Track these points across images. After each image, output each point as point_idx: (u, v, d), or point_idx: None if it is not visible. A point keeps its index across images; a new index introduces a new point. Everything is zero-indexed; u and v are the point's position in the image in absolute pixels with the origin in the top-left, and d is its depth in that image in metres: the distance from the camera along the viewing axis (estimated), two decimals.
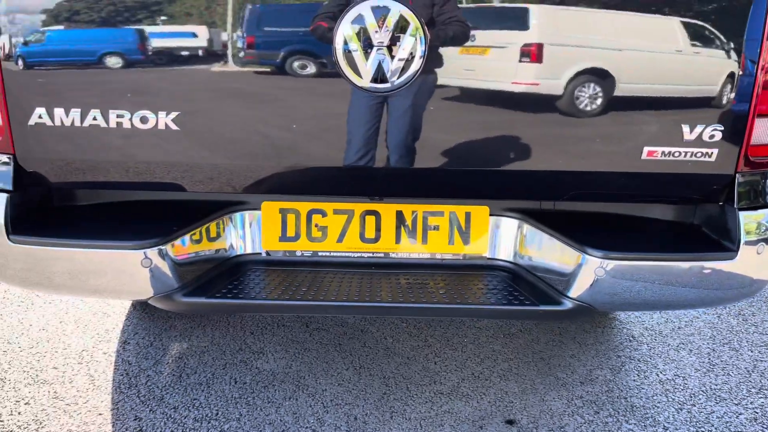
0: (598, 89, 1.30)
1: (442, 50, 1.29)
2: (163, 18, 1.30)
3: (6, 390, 1.89)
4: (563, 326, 2.38)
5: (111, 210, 1.55)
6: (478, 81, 1.33)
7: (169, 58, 1.31)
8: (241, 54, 1.32)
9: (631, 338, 2.32)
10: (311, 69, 1.32)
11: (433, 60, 1.29)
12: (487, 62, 1.30)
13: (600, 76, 1.30)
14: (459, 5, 1.29)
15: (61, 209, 1.54)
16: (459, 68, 1.31)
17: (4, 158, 1.38)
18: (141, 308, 2.40)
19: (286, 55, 1.31)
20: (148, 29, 1.30)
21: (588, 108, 1.32)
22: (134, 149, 1.36)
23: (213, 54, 1.31)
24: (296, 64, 1.31)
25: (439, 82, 1.32)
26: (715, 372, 2.12)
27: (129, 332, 2.24)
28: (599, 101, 1.32)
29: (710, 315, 2.51)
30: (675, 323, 2.43)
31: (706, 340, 2.32)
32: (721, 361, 2.19)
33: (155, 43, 1.30)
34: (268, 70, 1.34)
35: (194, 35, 1.31)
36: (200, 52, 1.32)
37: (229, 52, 1.31)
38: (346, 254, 1.59)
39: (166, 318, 2.33)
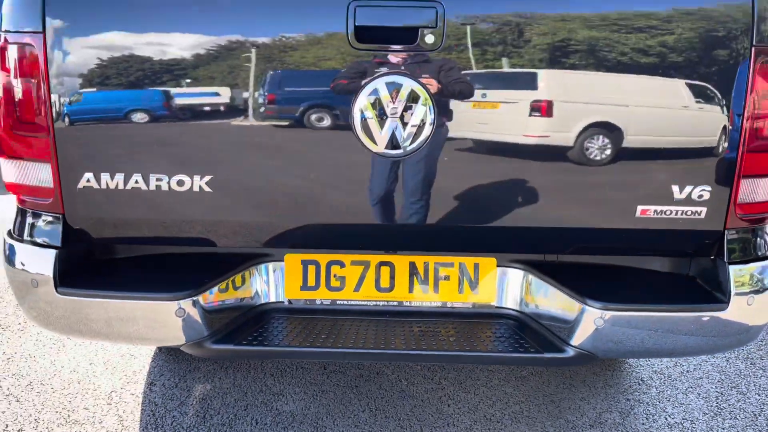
0: (603, 150, 1.42)
1: (450, 116, 1.42)
2: (198, 89, 1.45)
3: (39, 430, 2.00)
4: (573, 370, 2.44)
5: (148, 263, 1.68)
6: (482, 151, 1.46)
7: (205, 129, 1.46)
8: (268, 119, 1.46)
9: (640, 381, 2.38)
10: (331, 138, 1.45)
11: (441, 126, 1.42)
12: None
13: (601, 143, 1.42)
14: (463, 70, 1.42)
15: (103, 262, 1.67)
16: (463, 133, 1.44)
17: (54, 218, 1.53)
18: (166, 350, 2.51)
19: (308, 124, 1.45)
20: (188, 101, 1.45)
21: (585, 173, 1.44)
22: (170, 209, 1.50)
23: (244, 125, 1.46)
24: (317, 134, 1.45)
25: (447, 146, 1.44)
26: (722, 415, 2.17)
27: (155, 374, 2.35)
28: (595, 167, 1.43)
29: (719, 359, 2.56)
30: (684, 367, 2.49)
31: (714, 384, 2.37)
32: (729, 404, 2.24)
33: (196, 116, 1.45)
34: (291, 140, 1.48)
35: (226, 103, 1.45)
36: (233, 122, 1.46)
37: (257, 119, 1.46)
38: (363, 303, 1.70)
39: (191, 360, 2.43)
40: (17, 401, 2.16)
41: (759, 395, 2.30)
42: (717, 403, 2.25)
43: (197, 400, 2.19)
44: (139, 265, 1.67)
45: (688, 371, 2.46)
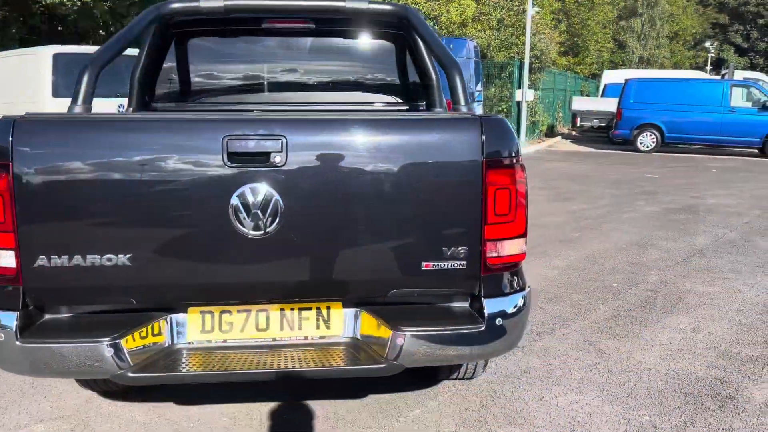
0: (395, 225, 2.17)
1: (295, 208, 2.14)
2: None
3: None
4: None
5: (87, 318, 2.30)
6: (320, 231, 2.20)
7: (125, 222, 2.13)
8: (166, 219, 2.15)
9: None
10: (217, 228, 2.14)
11: (289, 215, 2.14)
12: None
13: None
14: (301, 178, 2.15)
15: (52, 318, 2.28)
16: (304, 219, 2.16)
17: (15, 289, 2.14)
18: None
19: (198, 222, 2.15)
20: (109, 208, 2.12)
21: (388, 243, 2.19)
22: (102, 279, 2.14)
23: (155, 219, 2.13)
24: (208, 225, 2.14)
25: (297, 228, 2.16)
26: None
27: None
28: (392, 241, 2.19)
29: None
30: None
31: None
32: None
33: (117, 215, 2.13)
34: (187, 230, 2.16)
35: (138, 212, 2.13)
36: (149, 217, 2.13)
37: (160, 221, 2.14)
38: (246, 340, 2.36)
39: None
40: None
41: None
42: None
43: None
44: (81, 319, 2.29)
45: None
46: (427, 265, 2.21)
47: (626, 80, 17.55)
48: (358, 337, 2.36)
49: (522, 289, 2.37)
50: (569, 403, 3.07)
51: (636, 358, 3.62)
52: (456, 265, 2.21)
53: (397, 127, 2.17)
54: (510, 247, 2.26)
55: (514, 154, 2.22)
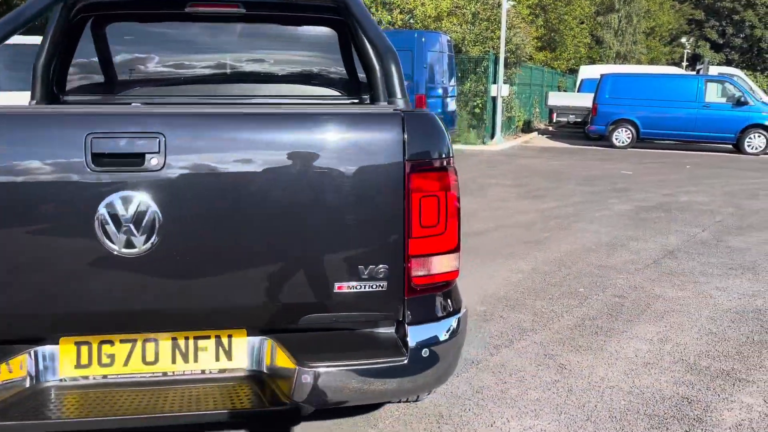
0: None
1: (175, 222, 1.78)
2: None
3: None
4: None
5: None
6: (208, 250, 1.83)
7: None
8: (27, 239, 1.77)
9: None
10: (81, 246, 1.77)
11: (170, 231, 1.78)
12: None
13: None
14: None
15: None
16: (188, 235, 1.81)
17: None
18: None
19: (59, 241, 1.77)
20: None
21: (289, 260, 1.84)
22: None
23: (20, 245, 1.76)
24: (70, 245, 1.77)
25: (179, 246, 1.80)
26: None
27: None
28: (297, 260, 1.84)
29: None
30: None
31: None
32: None
33: None
34: (50, 250, 1.79)
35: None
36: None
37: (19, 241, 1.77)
38: (131, 375, 2.00)
39: None
40: None
41: None
42: None
43: None
44: None
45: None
46: (340, 287, 1.86)
47: (602, 75, 17.35)
48: (264, 371, 2.01)
49: (456, 311, 2.03)
50: (522, 430, 2.75)
51: (598, 374, 3.32)
52: (375, 287, 1.87)
53: (300, 124, 1.82)
54: (439, 264, 1.92)
55: (444, 156, 1.88)
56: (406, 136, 1.82)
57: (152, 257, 1.79)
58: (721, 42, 50.73)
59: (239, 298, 1.87)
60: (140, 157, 1.75)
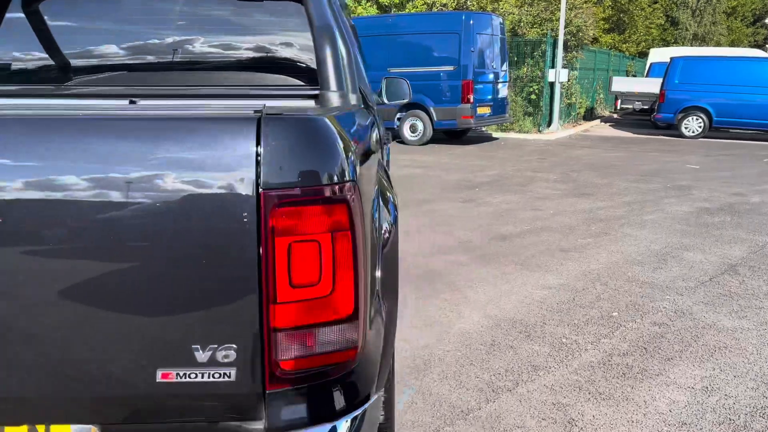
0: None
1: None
2: None
3: None
4: None
5: None
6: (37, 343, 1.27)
7: None
8: None
9: None
10: None
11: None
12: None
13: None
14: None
15: None
16: (23, 318, 1.25)
17: None
18: None
19: None
20: None
21: (90, 337, 1.26)
22: None
23: None
24: None
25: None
26: None
27: None
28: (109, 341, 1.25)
29: None
30: None
31: None
32: None
33: None
34: None
35: None
36: None
37: None
38: None
39: None
40: None
41: None
42: None
43: None
44: None
45: None
46: (164, 374, 1.27)
47: (671, 59, 15.94)
48: None
49: (354, 406, 1.39)
50: None
51: None
52: (216, 376, 1.27)
53: (85, 133, 1.22)
54: (324, 339, 1.30)
55: (334, 180, 1.26)
56: (261, 153, 1.20)
57: None
58: None
59: (23, 387, 1.31)
60: None
